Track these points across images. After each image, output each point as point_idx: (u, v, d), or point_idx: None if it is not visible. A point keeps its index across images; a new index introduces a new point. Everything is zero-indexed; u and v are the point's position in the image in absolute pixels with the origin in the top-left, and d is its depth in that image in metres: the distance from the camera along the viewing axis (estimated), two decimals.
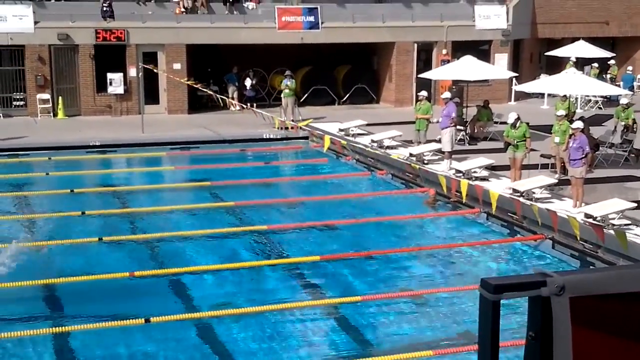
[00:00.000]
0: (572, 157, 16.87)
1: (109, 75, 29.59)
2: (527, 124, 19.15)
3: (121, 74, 29.74)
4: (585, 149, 16.78)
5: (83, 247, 14.95)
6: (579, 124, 17.54)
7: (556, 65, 33.12)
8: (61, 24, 29.07)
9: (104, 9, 29.60)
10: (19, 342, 10.83)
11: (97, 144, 24.69)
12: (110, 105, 29.99)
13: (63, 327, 11.31)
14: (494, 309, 2.08)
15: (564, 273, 2.11)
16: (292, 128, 26.39)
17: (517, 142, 18.27)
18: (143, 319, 11.16)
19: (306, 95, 32.90)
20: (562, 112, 19.66)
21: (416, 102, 25.67)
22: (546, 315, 2.08)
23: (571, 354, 2.08)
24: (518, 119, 18.49)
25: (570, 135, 17.48)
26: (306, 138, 26.33)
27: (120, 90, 29.80)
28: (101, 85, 29.82)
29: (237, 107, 30.96)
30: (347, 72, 33.92)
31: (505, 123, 20.15)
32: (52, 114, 29.38)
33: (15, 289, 12.57)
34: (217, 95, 28.29)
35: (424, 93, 23.50)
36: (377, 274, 14.03)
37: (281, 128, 27.10)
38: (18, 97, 29.63)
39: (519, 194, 17.08)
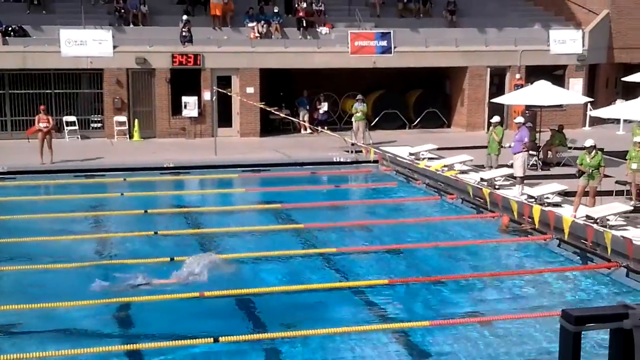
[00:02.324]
0: None
1: (184, 99, 30.20)
2: (602, 150, 18.80)
3: (196, 98, 30.33)
4: None
5: (155, 266, 15.18)
6: None
7: (632, 91, 32.42)
8: (139, 48, 29.84)
9: (184, 33, 30.26)
10: (91, 358, 11.06)
11: (170, 165, 25.17)
12: (185, 128, 30.57)
13: (134, 345, 11.51)
14: (574, 340, 2.03)
15: None
16: (363, 151, 26.50)
17: (592, 170, 17.93)
18: (212, 338, 11.28)
19: (377, 119, 32.95)
20: (639, 139, 19.24)
21: (488, 127, 25.47)
22: (628, 348, 2.01)
23: None
24: (594, 146, 18.12)
25: None
26: (376, 162, 26.35)
27: (194, 113, 30.37)
28: (176, 108, 30.45)
29: (308, 130, 31.26)
30: (418, 96, 33.90)
31: (579, 148, 19.81)
32: (128, 136, 30.10)
33: (89, 307, 12.89)
34: (290, 118, 28.66)
35: (497, 118, 23.30)
36: (446, 299, 13.91)
37: (352, 151, 27.22)
38: (96, 119, 30.49)
39: (592, 221, 16.76)
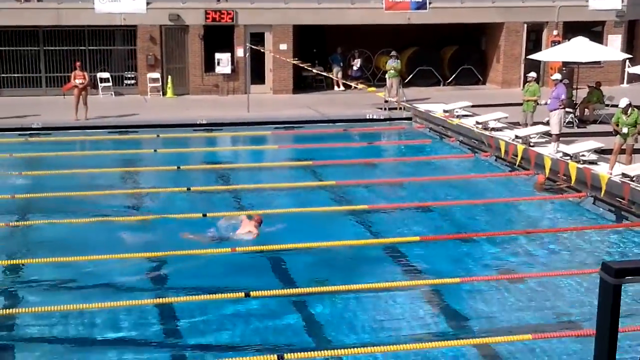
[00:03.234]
0: None
1: (217, 56, 30.13)
2: (639, 107, 18.44)
3: (229, 54, 30.24)
4: None
5: (188, 222, 15.27)
6: None
7: None
8: (172, 5, 29.76)
9: None
10: (126, 311, 11.20)
11: (203, 122, 25.21)
12: (218, 84, 30.55)
13: (167, 298, 11.62)
14: (614, 293, 2.00)
15: None
16: (398, 108, 26.31)
17: (629, 128, 17.63)
18: (243, 293, 11.34)
19: (411, 75, 32.65)
20: None
21: (524, 83, 25.16)
22: None
23: None
24: (630, 105, 17.81)
25: None
26: (409, 119, 26.17)
27: (227, 70, 30.31)
28: (209, 65, 30.40)
29: (342, 87, 31.09)
30: (453, 53, 33.49)
31: (616, 106, 19.49)
32: (161, 93, 30.17)
33: (124, 261, 13.03)
34: (323, 74, 28.51)
35: (532, 74, 22.98)
36: (478, 256, 13.84)
37: (385, 108, 27.04)
38: (129, 76, 30.57)
39: (629, 179, 16.51)
